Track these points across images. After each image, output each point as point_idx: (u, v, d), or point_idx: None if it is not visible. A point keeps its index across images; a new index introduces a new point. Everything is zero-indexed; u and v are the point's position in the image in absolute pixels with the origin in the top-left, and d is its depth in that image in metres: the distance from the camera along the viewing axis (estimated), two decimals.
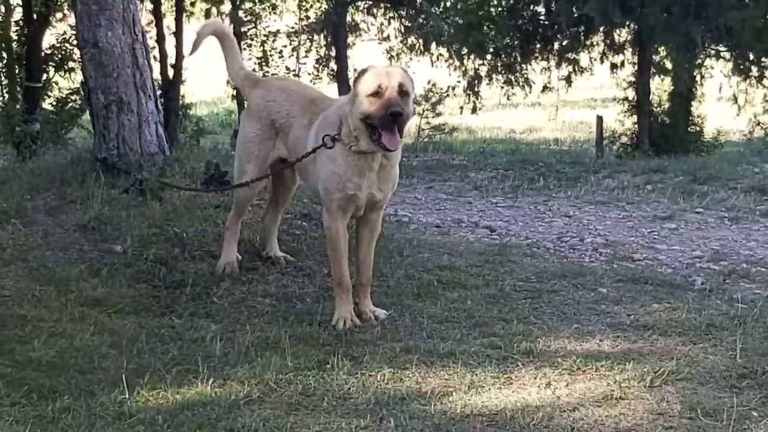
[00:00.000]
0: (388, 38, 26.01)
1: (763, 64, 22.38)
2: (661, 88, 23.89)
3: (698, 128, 23.71)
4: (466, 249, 8.56)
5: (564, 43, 22.77)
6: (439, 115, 25.62)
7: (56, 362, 5.60)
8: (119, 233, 7.58)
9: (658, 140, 22.37)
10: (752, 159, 15.70)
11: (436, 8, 24.63)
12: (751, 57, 22.26)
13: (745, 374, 5.55)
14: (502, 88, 25.12)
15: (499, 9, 23.78)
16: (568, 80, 23.07)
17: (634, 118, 23.29)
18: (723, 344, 6.07)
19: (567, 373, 5.59)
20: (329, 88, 22.78)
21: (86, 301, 6.57)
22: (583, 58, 23.65)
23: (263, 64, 24.32)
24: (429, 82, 25.04)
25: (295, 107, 6.88)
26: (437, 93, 25.31)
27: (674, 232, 9.90)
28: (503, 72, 24.54)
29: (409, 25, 25.38)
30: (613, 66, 23.77)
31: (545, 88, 23.96)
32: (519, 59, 24.24)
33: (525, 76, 24.39)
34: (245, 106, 7.43)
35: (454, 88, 25.29)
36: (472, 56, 24.51)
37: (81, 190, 8.30)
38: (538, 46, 23.11)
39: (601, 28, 22.06)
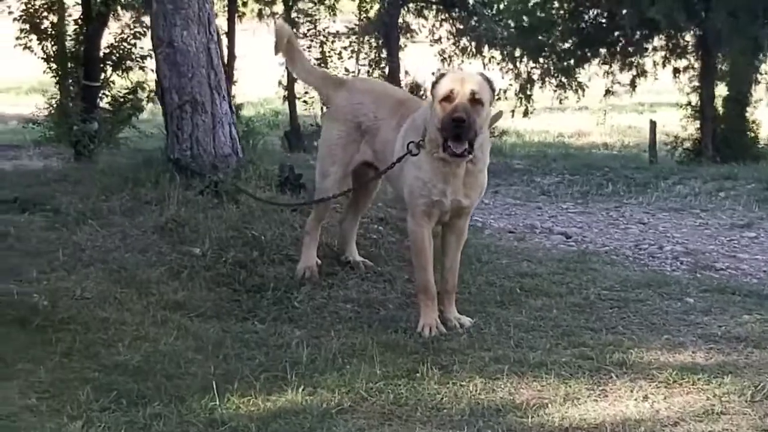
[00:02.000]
0: (439, 40, 25.79)
1: None
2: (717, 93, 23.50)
3: (754, 134, 23.32)
4: (544, 256, 8.40)
5: (628, 47, 22.48)
6: None
7: (143, 367, 5.53)
8: (197, 236, 7.49)
9: (720, 146, 22.05)
10: None
11: (489, 10, 24.40)
12: None
13: None
14: (555, 91, 24.87)
15: (561, 12, 23.46)
16: (632, 84, 22.77)
17: (696, 123, 22.96)
18: None
19: (663, 386, 5.46)
20: None
21: (168, 305, 6.48)
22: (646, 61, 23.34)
23: (321, 65, 24.25)
24: None
25: (383, 109, 6.76)
26: None
27: (754, 240, 9.68)
28: (556, 75, 24.29)
29: (461, 27, 25.21)
30: (676, 71, 23.46)
31: (608, 92, 23.66)
32: (573, 63, 23.98)
33: (577, 80, 24.11)
34: (325, 108, 7.26)
35: (505, 92, 25.06)
36: (525, 59, 24.28)
37: (155, 191, 8.23)
38: (601, 50, 22.79)
39: (664, 33, 21.77)
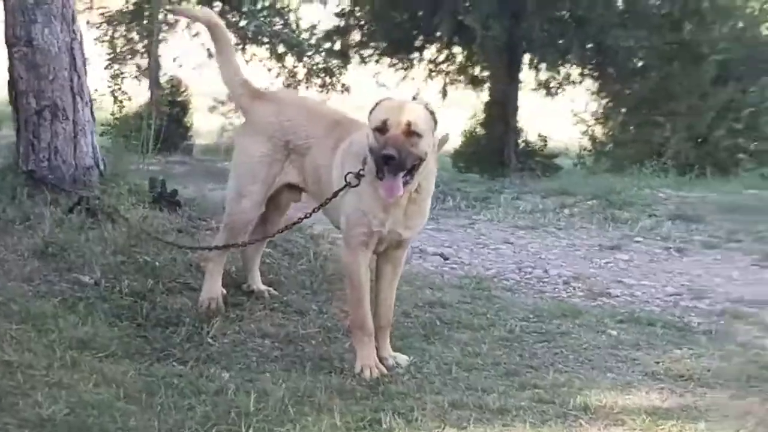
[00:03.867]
0: (197, 35, 24.50)
1: None
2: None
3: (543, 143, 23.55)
4: (442, 282, 8.05)
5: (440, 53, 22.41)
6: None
7: (73, 422, 4.78)
8: (83, 261, 6.72)
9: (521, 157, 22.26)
10: (643, 182, 15.55)
11: (252, 6, 23.53)
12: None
13: None
14: (320, 91, 24.43)
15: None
16: (444, 92, 22.65)
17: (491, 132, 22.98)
18: None
19: None
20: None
21: (72, 344, 5.69)
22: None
23: None
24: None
25: (317, 129, 6.19)
26: None
27: (631, 264, 9.57)
28: (321, 75, 23.92)
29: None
30: (474, 79, 23.48)
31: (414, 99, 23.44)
32: (340, 63, 23.71)
33: (341, 81, 23.78)
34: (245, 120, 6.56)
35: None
36: (290, 57, 23.73)
37: (17, 209, 7.35)
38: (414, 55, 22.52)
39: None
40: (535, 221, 11.88)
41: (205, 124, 24.53)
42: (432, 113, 5.70)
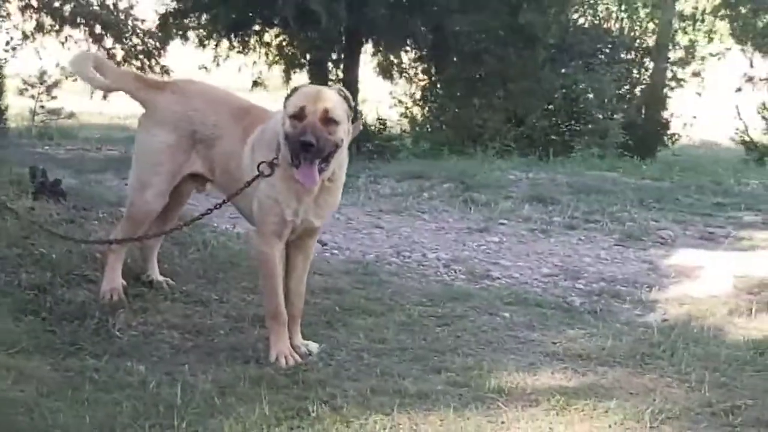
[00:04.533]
0: (9, 16, 23.81)
1: None
2: None
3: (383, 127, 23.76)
4: (330, 268, 8.11)
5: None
6: (54, 98, 24.17)
7: (2, 422, 4.67)
8: None
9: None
10: (493, 165, 15.90)
11: None
12: None
13: (727, 410, 5.44)
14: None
15: None
16: (287, 74, 22.52)
17: None
18: (673, 376, 6.00)
19: (557, 414, 5.31)
20: None
21: None
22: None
23: None
24: (57, 65, 23.42)
25: (225, 117, 6.15)
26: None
27: (502, 246, 9.80)
28: (138, 57, 23.68)
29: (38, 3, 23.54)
30: (316, 64, 23.42)
31: (255, 83, 23.28)
32: (159, 45, 23.52)
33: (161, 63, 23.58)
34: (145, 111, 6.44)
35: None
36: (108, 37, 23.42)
37: None
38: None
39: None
40: (398, 205, 12.03)
41: (16, 106, 23.82)
42: (347, 99, 5.73)
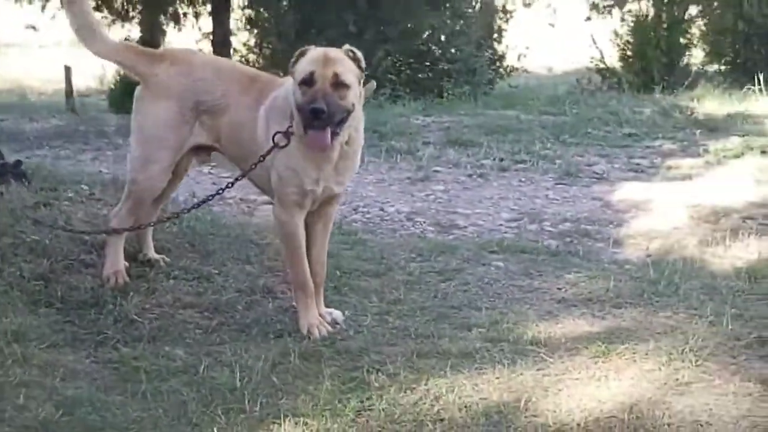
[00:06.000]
0: None
1: None
2: None
3: None
4: None
5: None
6: None
7: (63, 422, 4.51)
8: None
9: None
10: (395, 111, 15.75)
11: None
12: None
13: (757, 341, 5.57)
14: None
15: None
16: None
17: None
18: (688, 312, 6.12)
19: (601, 361, 5.32)
20: None
21: (7, 336, 5.30)
22: None
23: None
24: None
25: (233, 86, 5.94)
26: None
27: (449, 194, 9.82)
28: None
29: None
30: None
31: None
32: None
33: None
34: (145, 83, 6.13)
35: None
36: None
37: None
38: None
39: None
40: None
41: None
42: (357, 60, 5.61)
